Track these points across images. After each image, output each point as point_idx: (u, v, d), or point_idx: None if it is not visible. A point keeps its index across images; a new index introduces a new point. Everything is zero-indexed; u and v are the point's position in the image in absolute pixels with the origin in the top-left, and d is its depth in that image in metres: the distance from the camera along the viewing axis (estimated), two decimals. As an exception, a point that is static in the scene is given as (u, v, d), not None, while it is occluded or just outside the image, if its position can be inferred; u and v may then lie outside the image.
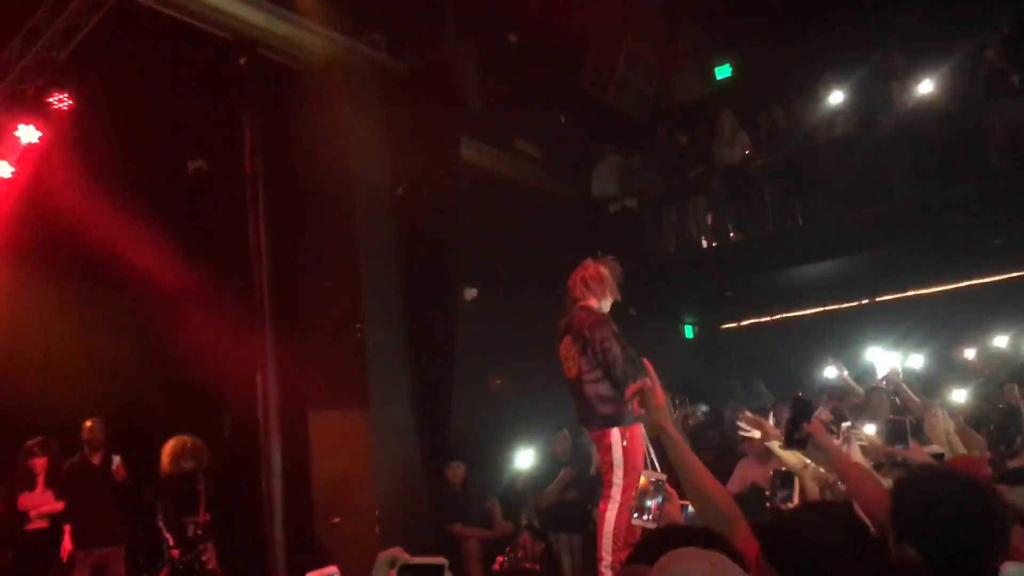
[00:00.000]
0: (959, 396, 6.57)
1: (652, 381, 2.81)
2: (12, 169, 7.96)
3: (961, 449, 4.94)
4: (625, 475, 5.19)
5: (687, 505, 3.21)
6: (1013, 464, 4.80)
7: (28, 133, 7.80)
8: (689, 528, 2.37)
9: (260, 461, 7.50)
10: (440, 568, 1.70)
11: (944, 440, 4.71)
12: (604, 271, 5.46)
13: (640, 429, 5.24)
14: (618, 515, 5.08)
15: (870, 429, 5.45)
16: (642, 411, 2.87)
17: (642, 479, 2.96)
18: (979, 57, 9.78)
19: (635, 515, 2.96)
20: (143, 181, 8.71)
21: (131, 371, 8.28)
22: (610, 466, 5.25)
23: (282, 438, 7.59)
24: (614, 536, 5.09)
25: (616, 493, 5.12)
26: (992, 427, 6.05)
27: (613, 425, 5.22)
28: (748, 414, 5.07)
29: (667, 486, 3.02)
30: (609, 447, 5.23)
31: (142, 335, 8.39)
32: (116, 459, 7.43)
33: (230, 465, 8.06)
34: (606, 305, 5.46)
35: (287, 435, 7.65)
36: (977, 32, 9.91)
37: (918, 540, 2.20)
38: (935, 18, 10.60)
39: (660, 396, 2.81)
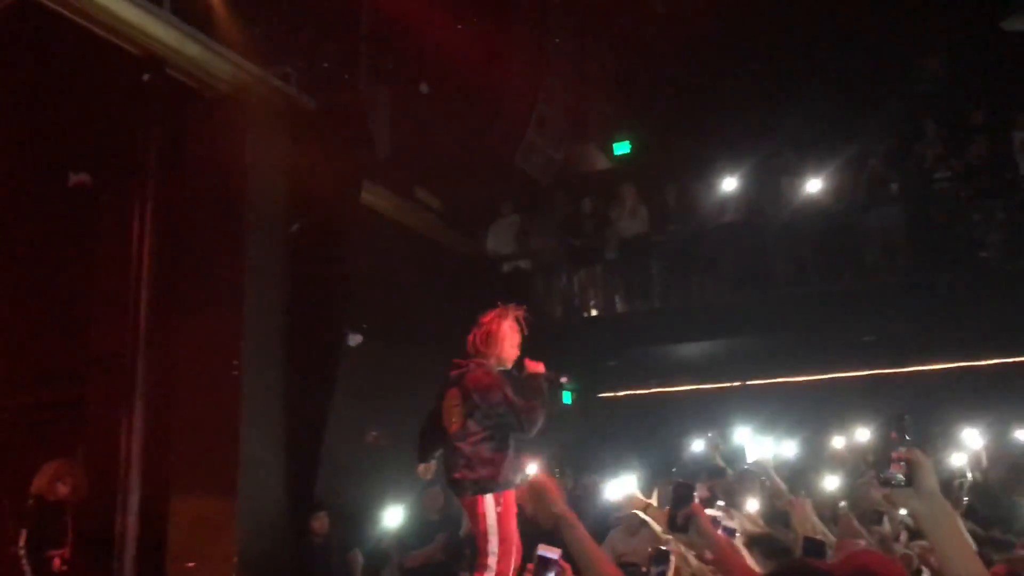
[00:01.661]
0: (831, 483, 6.75)
1: (536, 479, 2.83)
2: None
3: (830, 537, 5.03)
4: (500, 543, 5.07)
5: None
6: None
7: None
8: None
9: (117, 496, 7.07)
10: None
11: (810, 530, 4.81)
12: (504, 327, 5.19)
13: (512, 496, 5.13)
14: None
15: (753, 506, 5.57)
16: (534, 508, 2.86)
17: (538, 553, 2.91)
18: (863, 163, 10.39)
19: (529, 593, 2.92)
20: (19, 186, 8.30)
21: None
22: (484, 535, 5.07)
23: (142, 473, 7.19)
24: None
25: (492, 563, 5.00)
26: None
27: (486, 491, 5.02)
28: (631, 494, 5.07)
29: (561, 561, 2.98)
30: (483, 516, 5.02)
31: (2, 350, 7.89)
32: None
33: (84, 499, 7.59)
34: (506, 361, 5.19)
35: (147, 470, 7.26)
36: (864, 140, 10.54)
37: None
38: (826, 121, 11.22)
39: (551, 490, 2.81)
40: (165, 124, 7.75)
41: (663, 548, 3.73)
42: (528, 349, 5.27)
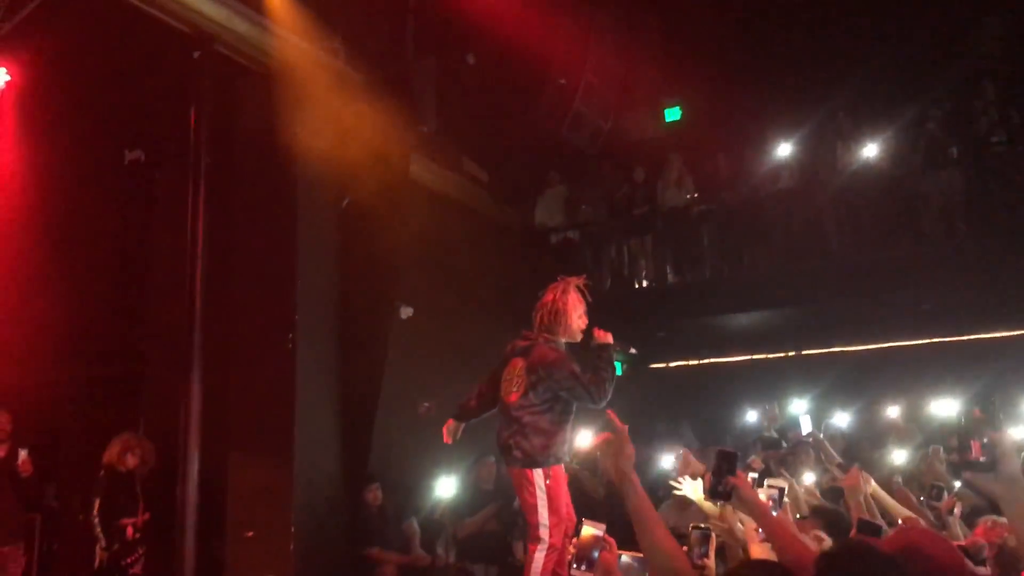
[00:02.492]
0: (899, 457, 6.63)
1: (620, 431, 2.81)
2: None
3: (875, 511, 4.94)
4: (551, 515, 5.08)
5: (622, 555, 3.20)
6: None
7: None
8: None
9: (177, 468, 7.24)
10: None
11: (862, 503, 4.71)
12: (570, 301, 5.17)
13: (561, 471, 5.13)
14: (546, 558, 4.98)
15: (809, 478, 5.51)
16: (603, 458, 2.86)
17: (584, 531, 2.92)
18: (921, 127, 10.12)
19: (574, 565, 2.93)
20: (78, 166, 8.47)
21: (47, 364, 7.97)
22: (534, 508, 5.07)
23: (201, 445, 7.34)
24: None
25: (544, 535, 5.01)
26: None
27: (536, 464, 5.01)
28: (686, 452, 5.03)
29: (606, 536, 2.99)
30: (531, 487, 5.03)
31: (62, 327, 8.08)
32: (23, 453, 7.11)
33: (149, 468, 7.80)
34: (575, 334, 5.17)
35: (207, 442, 7.41)
36: (922, 103, 10.26)
37: None
38: (883, 85, 10.94)
39: (629, 447, 2.80)
40: (216, 100, 7.82)
41: (704, 527, 3.72)
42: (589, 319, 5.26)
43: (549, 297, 5.19)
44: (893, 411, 8.98)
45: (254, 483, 7.65)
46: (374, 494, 7.90)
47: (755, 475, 4.20)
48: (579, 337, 5.18)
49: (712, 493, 3.24)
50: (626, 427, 2.86)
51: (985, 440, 2.16)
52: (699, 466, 4.86)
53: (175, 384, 7.44)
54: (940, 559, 2.59)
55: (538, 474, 5.05)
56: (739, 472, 3.19)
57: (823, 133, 10.71)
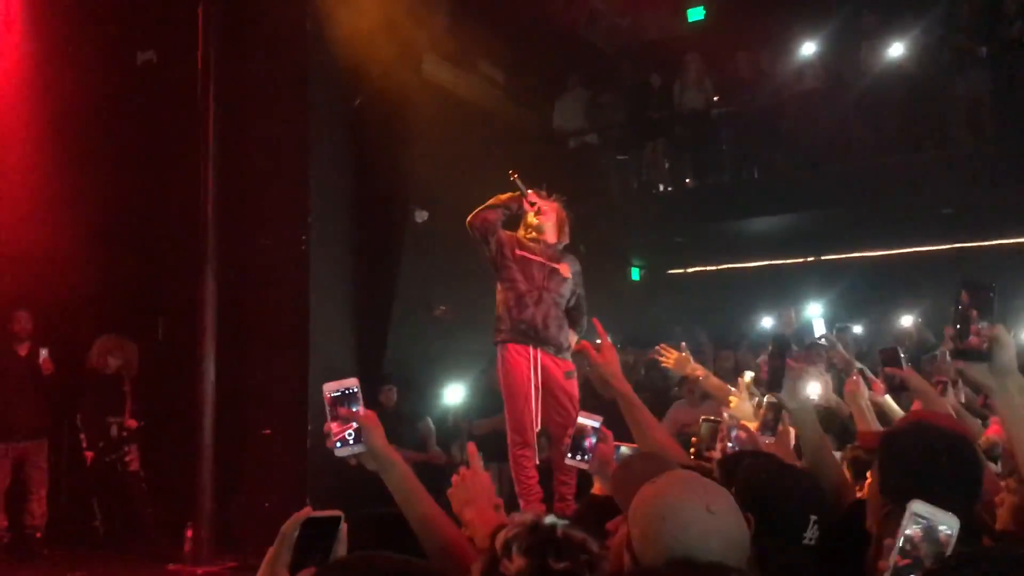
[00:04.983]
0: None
1: (601, 339, 2.83)
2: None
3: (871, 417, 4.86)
4: (506, 394, 5.14)
5: (619, 446, 3.21)
6: None
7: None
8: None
9: (194, 367, 7.36)
10: (337, 520, 1.78)
11: (863, 408, 4.63)
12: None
13: (516, 351, 5.14)
14: (512, 454, 5.04)
15: (813, 388, 5.48)
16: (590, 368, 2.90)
17: (580, 422, 2.94)
18: (949, 27, 9.77)
19: (568, 455, 2.94)
20: (90, 69, 8.38)
21: (67, 266, 8.05)
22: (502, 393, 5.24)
23: (218, 345, 7.45)
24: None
25: (506, 416, 5.11)
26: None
27: (495, 342, 5.25)
28: (664, 345, 5.04)
29: (603, 428, 3.00)
30: (498, 364, 5.28)
31: (81, 229, 8.12)
32: (44, 352, 7.27)
33: (162, 368, 7.92)
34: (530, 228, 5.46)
35: (223, 343, 7.51)
36: (949, 1, 9.89)
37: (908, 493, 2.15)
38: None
39: (607, 354, 2.82)
40: (223, -2, 7.69)
41: (713, 420, 3.73)
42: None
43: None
44: (907, 320, 8.90)
45: (270, 382, 7.77)
46: (388, 395, 8.00)
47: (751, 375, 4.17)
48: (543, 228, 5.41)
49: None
50: (602, 338, 2.91)
51: (982, 325, 2.11)
52: (681, 357, 4.86)
53: (190, 284, 7.52)
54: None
55: (498, 352, 5.15)
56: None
57: (847, 33, 10.37)
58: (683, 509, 1.68)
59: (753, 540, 1.85)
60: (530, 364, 5.08)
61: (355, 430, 2.12)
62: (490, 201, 5.21)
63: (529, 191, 5.22)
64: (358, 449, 2.12)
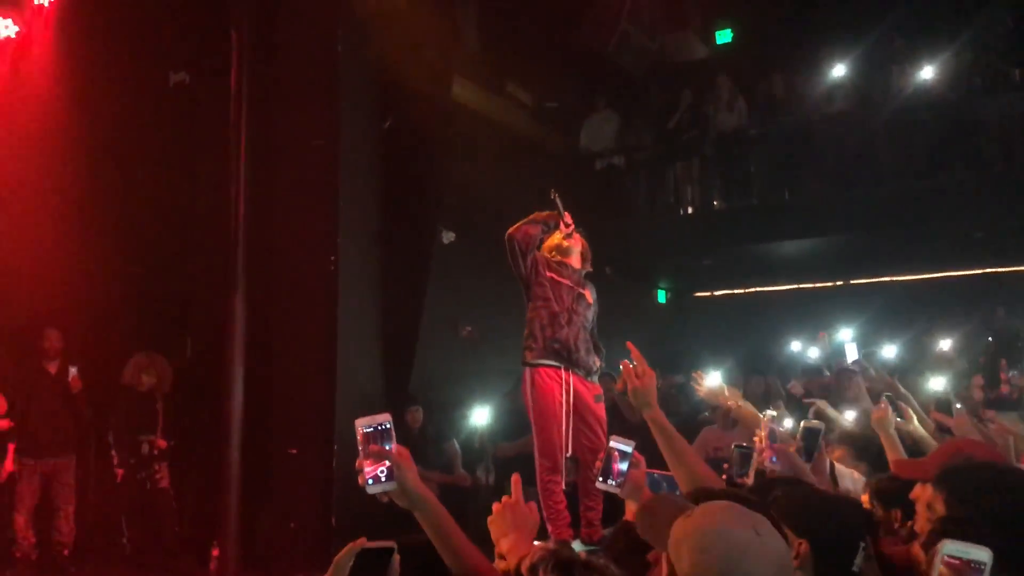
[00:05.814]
0: (936, 384, 6.47)
1: (639, 364, 2.82)
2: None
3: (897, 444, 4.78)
4: (535, 417, 5.06)
5: (652, 472, 3.17)
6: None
7: (4, 26, 7.57)
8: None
9: (222, 385, 7.39)
10: (390, 551, 1.79)
11: (892, 436, 4.54)
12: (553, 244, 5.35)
13: (547, 374, 5.07)
14: (541, 478, 4.95)
15: (849, 415, 5.42)
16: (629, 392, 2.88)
17: (611, 446, 2.90)
18: (980, 49, 9.72)
19: (600, 479, 2.90)
20: (122, 89, 8.49)
21: (97, 284, 8.13)
22: (527, 407, 5.12)
23: (246, 365, 7.47)
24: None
25: (535, 440, 5.03)
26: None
27: (524, 364, 5.08)
28: (699, 372, 4.98)
29: (635, 453, 2.97)
30: (525, 392, 5.11)
31: (111, 248, 8.21)
32: (73, 370, 7.32)
33: (190, 386, 7.96)
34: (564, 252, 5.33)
35: (251, 362, 7.54)
36: (980, 24, 9.83)
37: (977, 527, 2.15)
38: (941, 3, 10.49)
39: (647, 379, 2.80)
40: (255, 20, 7.76)
41: (745, 447, 3.68)
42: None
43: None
44: (945, 343, 8.77)
45: (297, 402, 7.78)
46: (414, 415, 7.98)
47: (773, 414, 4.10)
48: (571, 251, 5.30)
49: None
50: (640, 363, 2.89)
51: (1012, 374, 2.09)
52: (728, 394, 4.81)
53: (219, 303, 7.56)
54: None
55: (527, 375, 5.08)
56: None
57: (877, 57, 10.34)
58: (734, 534, 1.66)
59: (805, 566, 1.83)
60: (562, 387, 5.02)
61: (387, 468, 2.11)
62: (531, 216, 5.18)
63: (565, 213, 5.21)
64: (390, 487, 2.11)
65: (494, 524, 2.30)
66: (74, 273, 7.96)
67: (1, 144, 7.64)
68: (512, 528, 2.25)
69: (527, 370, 5.08)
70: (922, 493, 2.58)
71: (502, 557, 2.24)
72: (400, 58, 8.15)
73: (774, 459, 3.32)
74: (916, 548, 2.26)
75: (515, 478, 2.46)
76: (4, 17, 7.62)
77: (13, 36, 7.72)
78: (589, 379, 5.16)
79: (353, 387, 7.84)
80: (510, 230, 5.08)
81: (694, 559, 1.66)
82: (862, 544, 2.20)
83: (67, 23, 8.25)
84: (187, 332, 8.48)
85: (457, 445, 8.26)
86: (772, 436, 3.45)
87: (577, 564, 1.64)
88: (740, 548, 1.65)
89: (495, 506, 2.34)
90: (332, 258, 7.86)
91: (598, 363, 5.26)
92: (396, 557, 1.78)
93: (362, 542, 1.78)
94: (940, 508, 2.29)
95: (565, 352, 5.04)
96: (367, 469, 2.12)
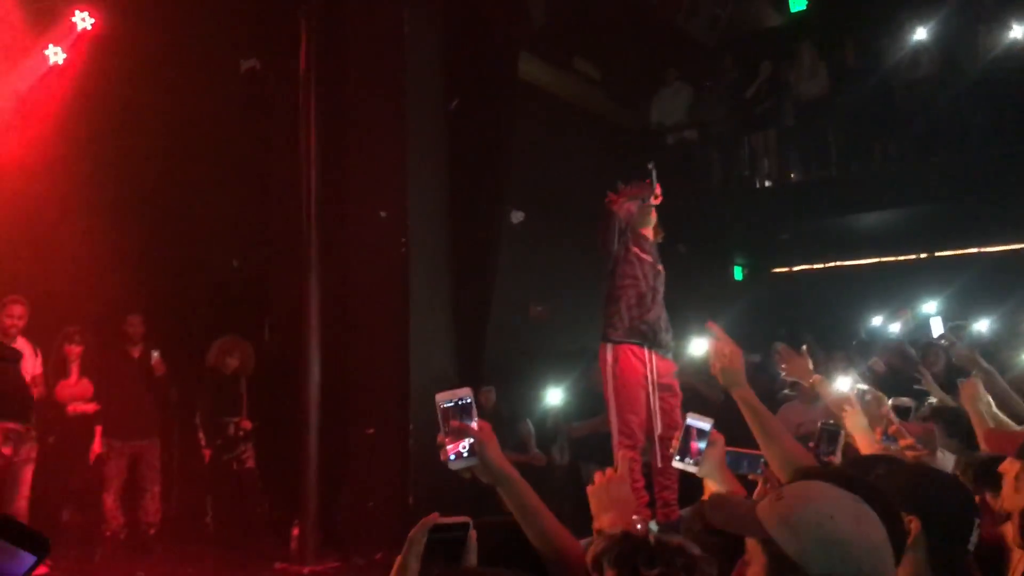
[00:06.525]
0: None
1: (725, 343, 2.75)
2: (64, 56, 7.92)
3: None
4: (616, 395, 4.97)
5: (733, 450, 3.08)
6: None
7: (83, 19, 7.74)
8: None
9: (299, 367, 7.48)
10: (466, 526, 1.75)
11: (982, 412, 4.34)
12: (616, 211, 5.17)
13: (631, 352, 4.99)
14: (622, 456, 4.84)
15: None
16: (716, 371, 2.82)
17: (689, 424, 2.82)
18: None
19: (677, 458, 2.83)
20: (195, 78, 8.60)
21: (177, 271, 8.31)
22: (605, 384, 5.06)
23: (322, 347, 7.55)
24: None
25: (613, 419, 4.93)
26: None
27: (605, 339, 5.04)
28: (783, 346, 4.83)
29: (713, 431, 2.88)
30: (602, 368, 5.06)
31: (190, 235, 8.38)
32: (155, 354, 7.48)
33: (269, 370, 8.09)
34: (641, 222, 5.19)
35: (327, 344, 7.61)
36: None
37: None
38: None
39: (735, 359, 2.73)
40: (323, 4, 7.79)
41: (832, 424, 3.56)
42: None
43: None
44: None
45: (373, 383, 7.83)
46: (487, 396, 7.97)
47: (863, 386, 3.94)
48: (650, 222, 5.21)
49: None
50: (724, 342, 2.83)
51: None
52: (801, 361, 4.64)
53: (296, 288, 7.65)
54: None
55: (608, 350, 4.99)
56: None
57: (963, 17, 9.88)
58: (840, 506, 1.58)
59: (918, 543, 1.92)
60: (646, 366, 4.97)
61: (469, 443, 2.06)
62: (628, 192, 5.07)
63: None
64: (472, 462, 2.06)
65: (595, 497, 2.24)
66: (155, 261, 8.14)
67: (82, 142, 7.81)
68: (612, 504, 2.19)
69: (609, 346, 5.01)
70: (1010, 468, 2.44)
71: (600, 533, 2.18)
72: (466, 37, 8.10)
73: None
74: (1007, 528, 2.15)
75: (623, 454, 2.44)
76: (82, 11, 7.77)
77: (90, 28, 7.87)
78: (666, 356, 5.10)
79: (426, 367, 7.86)
80: (613, 207, 4.99)
81: (804, 542, 1.56)
82: (976, 520, 2.14)
83: (138, 13, 8.38)
84: (265, 315, 8.60)
85: (531, 425, 8.25)
86: (905, 416, 3.33)
87: (644, 549, 1.57)
88: (853, 517, 1.57)
89: (597, 476, 2.29)
90: (403, 240, 7.88)
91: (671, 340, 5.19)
92: (472, 533, 1.74)
93: (435, 517, 1.74)
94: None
95: (651, 333, 4.99)
96: (448, 445, 2.08)
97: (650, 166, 5.03)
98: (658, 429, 4.94)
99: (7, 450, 6.50)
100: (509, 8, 8.38)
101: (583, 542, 2.04)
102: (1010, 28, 9.42)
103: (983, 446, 3.56)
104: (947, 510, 2.12)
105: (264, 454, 7.82)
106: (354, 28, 8.22)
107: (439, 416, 2.10)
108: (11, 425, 6.56)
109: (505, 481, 2.06)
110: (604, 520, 2.18)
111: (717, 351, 2.85)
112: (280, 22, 8.14)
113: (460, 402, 2.10)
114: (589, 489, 2.29)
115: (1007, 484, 2.46)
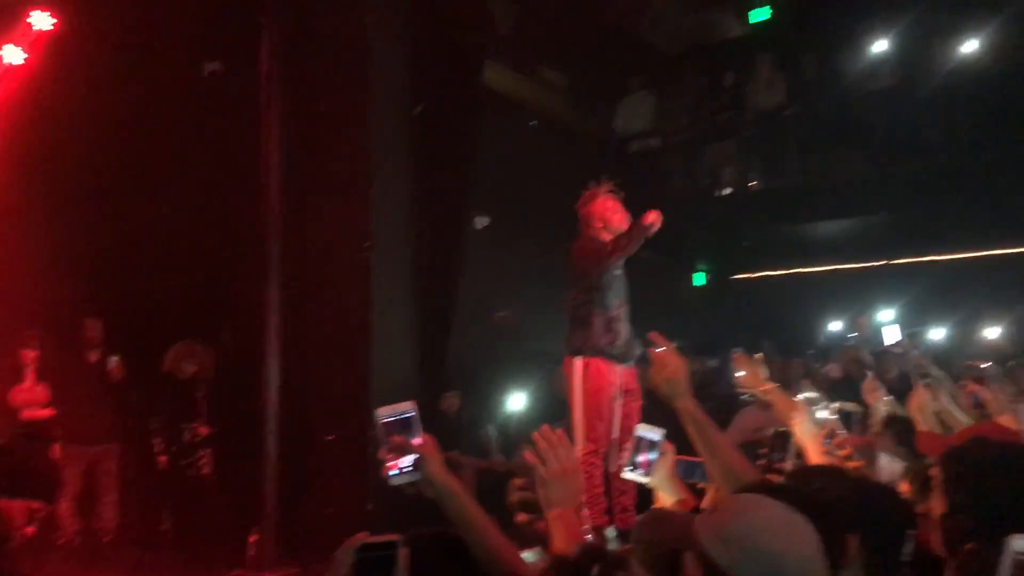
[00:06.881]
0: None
1: (668, 353, 2.72)
2: (24, 56, 7.81)
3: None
4: (584, 412, 5.01)
5: (685, 460, 3.12)
6: None
7: (43, 20, 7.64)
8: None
9: (259, 373, 7.43)
10: (394, 544, 1.72)
11: (931, 419, 4.43)
12: (596, 205, 5.34)
13: (600, 364, 5.04)
14: (585, 463, 4.86)
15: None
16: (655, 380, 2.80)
17: (639, 434, 2.85)
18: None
19: (627, 468, 2.86)
20: (157, 80, 8.52)
21: (136, 275, 8.20)
22: (571, 404, 5.07)
23: (282, 352, 7.50)
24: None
25: (578, 436, 4.95)
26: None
27: (574, 353, 5.06)
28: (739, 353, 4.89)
29: (665, 443, 2.91)
30: (569, 380, 5.08)
31: (148, 238, 8.28)
32: (114, 359, 7.40)
33: (229, 375, 8.02)
34: (621, 227, 5.22)
35: (287, 349, 7.57)
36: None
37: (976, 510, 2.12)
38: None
39: (676, 369, 2.69)
40: (288, 5, 7.76)
41: (784, 431, 3.61)
42: (658, 230, 5.11)
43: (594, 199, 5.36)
44: (992, 331, 8.49)
45: (333, 388, 7.80)
46: (450, 402, 7.98)
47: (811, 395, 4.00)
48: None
49: None
50: (671, 345, 2.79)
51: None
52: (755, 370, 4.70)
53: (255, 291, 7.59)
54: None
55: (576, 365, 5.03)
56: None
57: (918, 30, 10.06)
58: (771, 517, 1.62)
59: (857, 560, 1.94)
60: (616, 378, 5.06)
61: (412, 459, 2.07)
62: (639, 233, 5.00)
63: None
64: (415, 477, 2.07)
65: (544, 487, 2.22)
66: (114, 264, 8.05)
67: (40, 142, 7.71)
68: (562, 500, 2.19)
69: (579, 359, 5.05)
70: (936, 473, 2.50)
71: (548, 550, 2.18)
72: (431, 44, 8.10)
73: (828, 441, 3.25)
74: (934, 534, 2.21)
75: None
76: (42, 11, 7.67)
77: (49, 29, 7.77)
78: (630, 366, 5.18)
79: (389, 373, 7.84)
80: (626, 252, 4.96)
81: (731, 553, 1.59)
82: (912, 530, 2.19)
83: (100, 15, 8.28)
84: (224, 321, 8.53)
85: (492, 431, 8.26)
86: (847, 424, 3.36)
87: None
88: (776, 538, 1.59)
89: (557, 467, 2.25)
90: (366, 244, 7.86)
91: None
92: (402, 552, 1.72)
93: (361, 537, 1.72)
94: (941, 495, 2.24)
95: (621, 354, 5.08)
96: (388, 461, 2.08)
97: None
98: (615, 433, 4.99)
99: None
100: (474, 15, 8.40)
101: (525, 555, 2.05)
102: (964, 42, 9.60)
103: (917, 444, 3.64)
104: (882, 521, 2.15)
105: (223, 460, 7.75)
106: (317, 32, 8.18)
107: (379, 432, 2.10)
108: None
109: (449, 497, 2.07)
110: (552, 513, 2.19)
111: (660, 361, 2.82)
112: (243, 25, 8.09)
113: (402, 416, 2.10)
114: (538, 478, 2.26)
115: (935, 489, 2.50)
